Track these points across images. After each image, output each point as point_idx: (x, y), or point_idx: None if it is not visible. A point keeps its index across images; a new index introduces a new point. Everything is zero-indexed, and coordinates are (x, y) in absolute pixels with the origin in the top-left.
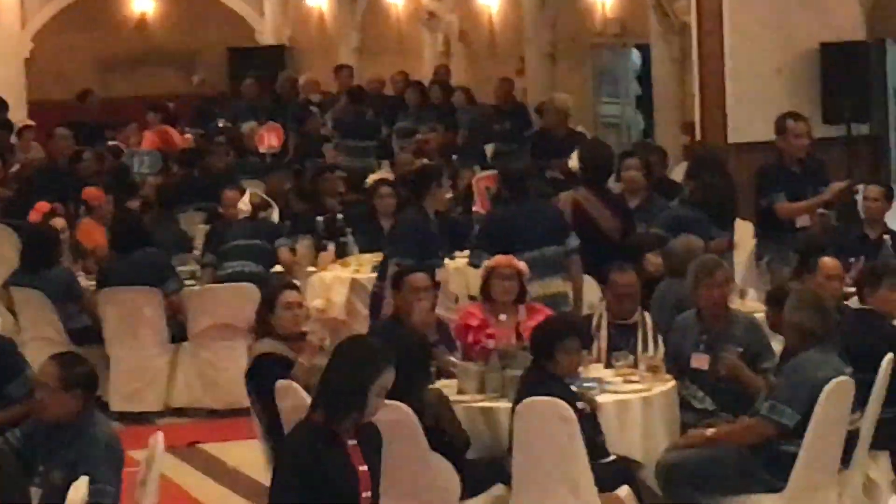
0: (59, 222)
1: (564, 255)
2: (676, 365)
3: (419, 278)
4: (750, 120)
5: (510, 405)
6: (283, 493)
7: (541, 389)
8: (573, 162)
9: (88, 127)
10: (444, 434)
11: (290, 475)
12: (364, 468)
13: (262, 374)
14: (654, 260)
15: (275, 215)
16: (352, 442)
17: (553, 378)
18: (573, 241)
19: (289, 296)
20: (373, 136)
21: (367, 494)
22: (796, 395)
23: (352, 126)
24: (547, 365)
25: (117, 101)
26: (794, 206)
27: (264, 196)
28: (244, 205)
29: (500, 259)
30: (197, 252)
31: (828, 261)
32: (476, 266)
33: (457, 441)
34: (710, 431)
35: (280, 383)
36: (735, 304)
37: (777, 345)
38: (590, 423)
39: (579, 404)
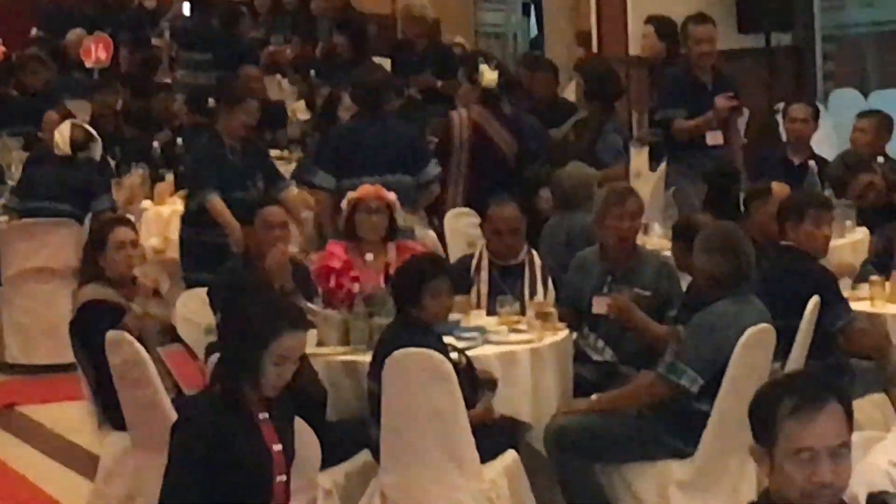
0: None
1: (415, 187)
2: (573, 310)
3: (274, 212)
4: None
5: None
6: (180, 475)
7: (405, 340)
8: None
9: None
10: (295, 391)
11: (186, 454)
12: (279, 447)
13: (90, 325)
14: (548, 196)
15: (97, 150)
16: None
17: (420, 327)
18: (431, 171)
19: (121, 233)
20: (216, 49)
21: (282, 478)
22: (700, 354)
23: (192, 36)
24: (412, 311)
25: None
26: (685, 124)
27: (87, 127)
28: (62, 141)
29: (366, 189)
30: (12, 183)
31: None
32: (321, 188)
33: (312, 398)
34: (595, 398)
35: (110, 335)
36: (639, 241)
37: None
38: (466, 379)
39: (453, 355)
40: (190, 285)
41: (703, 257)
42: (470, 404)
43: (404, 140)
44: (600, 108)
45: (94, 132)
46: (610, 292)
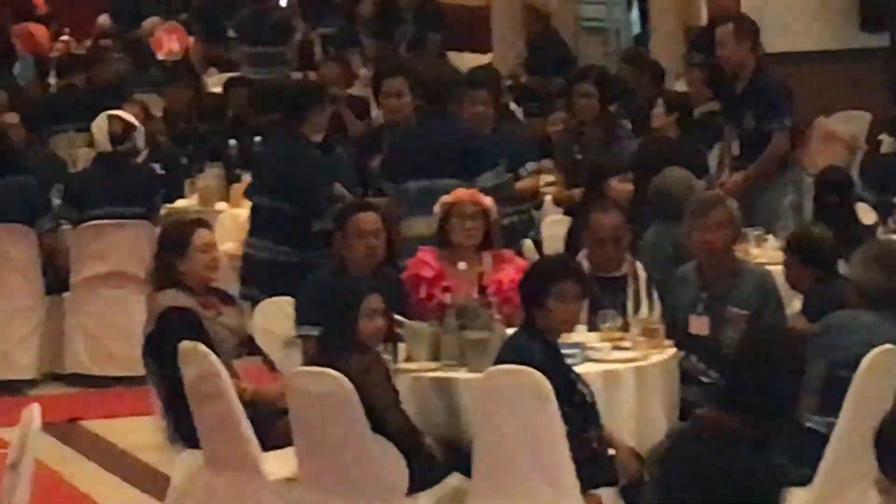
0: None
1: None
2: (674, 329)
3: (368, 219)
4: (772, 26)
5: (469, 375)
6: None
7: (518, 352)
8: None
9: None
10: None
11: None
12: None
13: (168, 335)
14: (620, 187)
15: (140, 139)
16: None
17: (543, 338)
18: (489, 180)
19: (204, 235)
20: (281, 42)
21: None
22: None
23: (253, 29)
24: (536, 316)
25: None
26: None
27: (124, 116)
28: (101, 136)
29: (460, 193)
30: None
31: None
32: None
33: (393, 423)
34: None
35: (184, 345)
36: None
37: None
38: (590, 414)
39: (580, 387)
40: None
41: (860, 270)
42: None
43: (460, 139)
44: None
45: (133, 120)
46: (705, 310)
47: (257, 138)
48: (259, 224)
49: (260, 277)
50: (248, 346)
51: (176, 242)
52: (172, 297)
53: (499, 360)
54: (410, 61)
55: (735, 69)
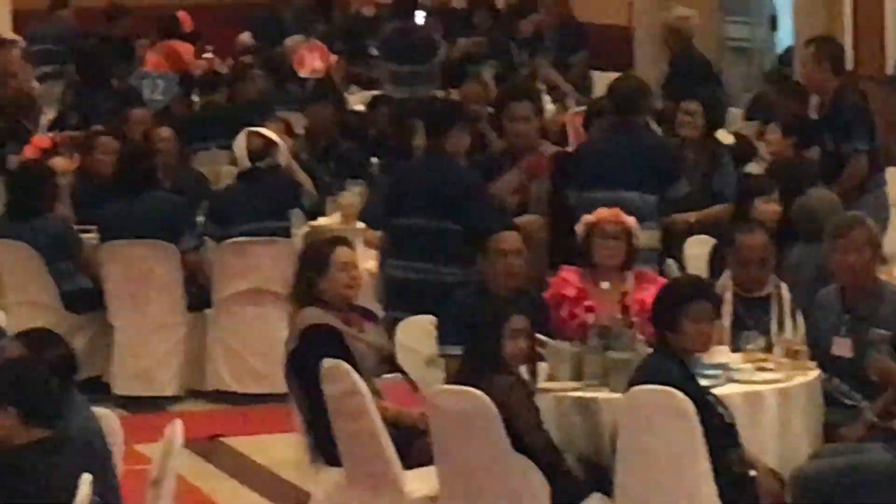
0: (60, 163)
1: (645, 205)
2: (817, 351)
3: (509, 238)
4: None
5: (612, 395)
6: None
7: (655, 373)
8: None
9: (120, 43)
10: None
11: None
12: None
13: (311, 352)
14: (767, 208)
15: (281, 155)
16: None
17: (677, 358)
18: (679, 190)
19: (344, 254)
20: (425, 60)
21: None
22: None
23: (398, 47)
24: (670, 337)
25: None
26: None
27: (264, 132)
28: (240, 152)
29: (603, 213)
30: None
31: None
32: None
33: (533, 443)
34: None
35: (327, 363)
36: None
37: None
38: (729, 434)
39: (719, 409)
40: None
41: None
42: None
43: (645, 152)
44: None
45: (274, 137)
46: (848, 332)
47: (373, 159)
48: (410, 245)
49: (407, 299)
50: (391, 363)
51: (316, 260)
52: (315, 315)
53: (634, 382)
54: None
55: (816, 91)
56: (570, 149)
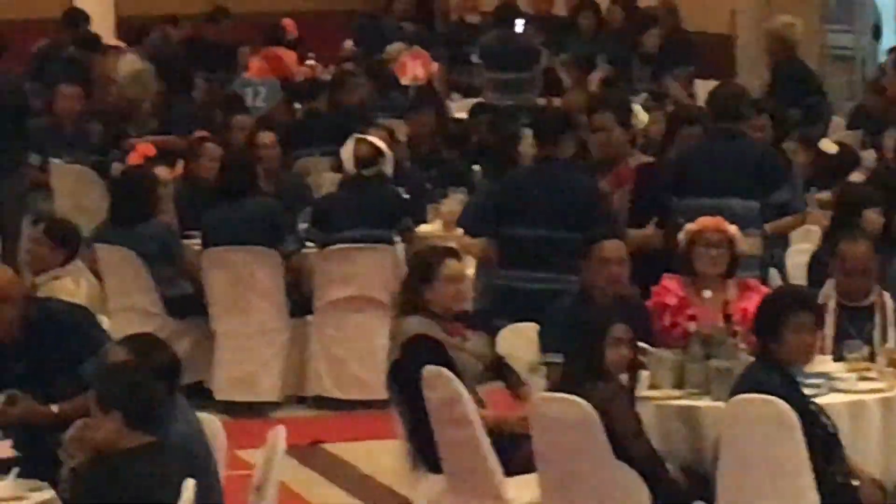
0: (163, 172)
1: (747, 212)
2: None
3: (613, 247)
4: None
5: (714, 403)
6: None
7: (758, 383)
8: None
9: (221, 50)
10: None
11: None
12: None
13: (413, 360)
14: (870, 217)
15: (387, 165)
16: None
17: (779, 367)
18: (781, 196)
19: (453, 266)
20: (526, 68)
21: None
22: None
23: (499, 55)
24: (771, 347)
25: (252, 16)
26: None
27: (374, 141)
28: (347, 159)
29: (705, 221)
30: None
31: None
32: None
33: (635, 452)
34: None
35: (429, 370)
36: None
37: None
38: (832, 444)
39: (822, 418)
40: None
41: None
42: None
43: (748, 157)
44: None
45: (382, 146)
46: None
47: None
48: (527, 255)
49: (516, 308)
50: (495, 370)
51: (424, 270)
52: (418, 324)
53: (736, 391)
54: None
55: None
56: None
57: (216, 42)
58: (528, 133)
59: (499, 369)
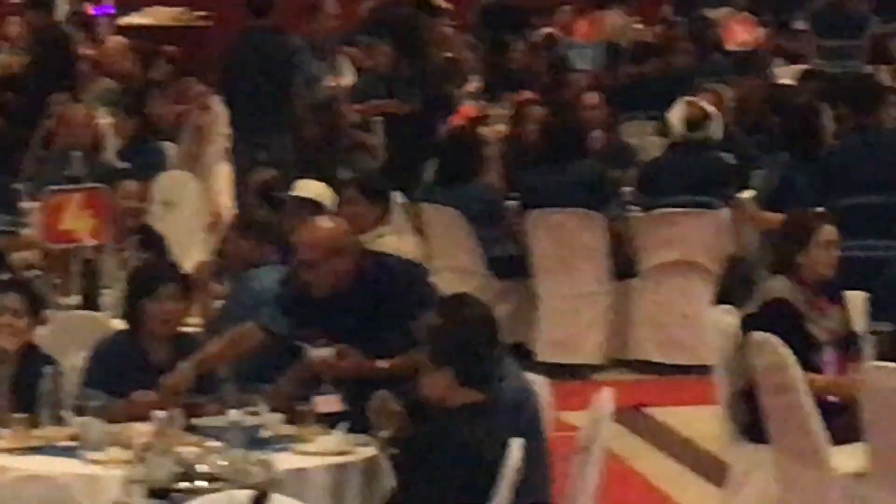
0: (487, 132)
1: None
2: None
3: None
4: None
5: None
6: None
7: None
8: None
9: (511, 10)
10: None
11: None
12: None
13: (766, 324)
14: None
15: (716, 129)
16: None
17: None
18: None
19: (829, 232)
20: (855, 35)
21: None
22: None
23: (829, 21)
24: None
25: None
26: None
27: (703, 105)
28: (676, 121)
29: None
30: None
31: None
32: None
33: None
34: None
35: (756, 336)
36: None
37: None
38: None
39: None
40: None
41: None
42: None
43: None
44: None
45: (712, 110)
46: None
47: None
48: (859, 224)
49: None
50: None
51: (799, 234)
52: (781, 289)
53: None
54: None
55: None
56: None
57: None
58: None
59: (846, 345)
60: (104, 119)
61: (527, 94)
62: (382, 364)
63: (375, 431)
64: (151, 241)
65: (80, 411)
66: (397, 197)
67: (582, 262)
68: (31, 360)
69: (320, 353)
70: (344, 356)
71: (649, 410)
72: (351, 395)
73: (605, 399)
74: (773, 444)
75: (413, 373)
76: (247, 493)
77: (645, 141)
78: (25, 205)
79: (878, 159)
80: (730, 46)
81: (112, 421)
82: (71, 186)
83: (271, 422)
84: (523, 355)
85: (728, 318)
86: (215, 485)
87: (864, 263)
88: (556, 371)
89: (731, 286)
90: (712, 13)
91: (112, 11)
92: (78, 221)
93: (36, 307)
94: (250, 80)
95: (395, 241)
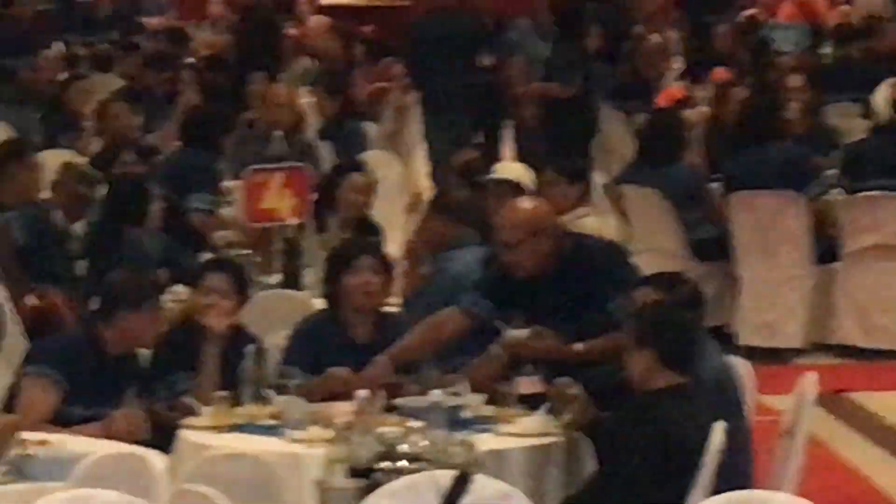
0: (691, 115)
1: None
2: None
3: None
4: None
5: None
6: None
7: None
8: None
9: None
10: None
11: None
12: None
13: None
14: None
15: None
16: None
17: None
18: None
19: None
20: None
21: None
22: None
23: None
24: None
25: None
26: None
27: None
28: (883, 104)
29: None
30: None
31: None
32: None
33: None
34: None
35: None
36: None
37: None
38: None
39: None
40: None
41: None
42: None
43: None
44: None
45: None
46: None
47: None
48: None
49: None
50: None
51: None
52: None
53: None
54: None
55: None
56: None
57: None
58: None
59: None
60: (305, 98)
61: (721, 73)
62: (578, 347)
63: (556, 415)
64: (370, 232)
65: (280, 389)
66: (598, 178)
67: (784, 245)
68: (237, 340)
69: (516, 334)
70: (539, 338)
71: (851, 395)
72: (552, 377)
73: (810, 383)
74: None
75: (608, 356)
76: (449, 474)
77: (849, 123)
78: (227, 184)
79: None
80: None
81: (308, 398)
82: (272, 165)
83: (473, 402)
84: (723, 338)
85: None
86: (417, 465)
87: None
88: (757, 354)
89: None
90: None
91: None
92: (279, 200)
93: (241, 287)
94: (439, 59)
95: (596, 222)
